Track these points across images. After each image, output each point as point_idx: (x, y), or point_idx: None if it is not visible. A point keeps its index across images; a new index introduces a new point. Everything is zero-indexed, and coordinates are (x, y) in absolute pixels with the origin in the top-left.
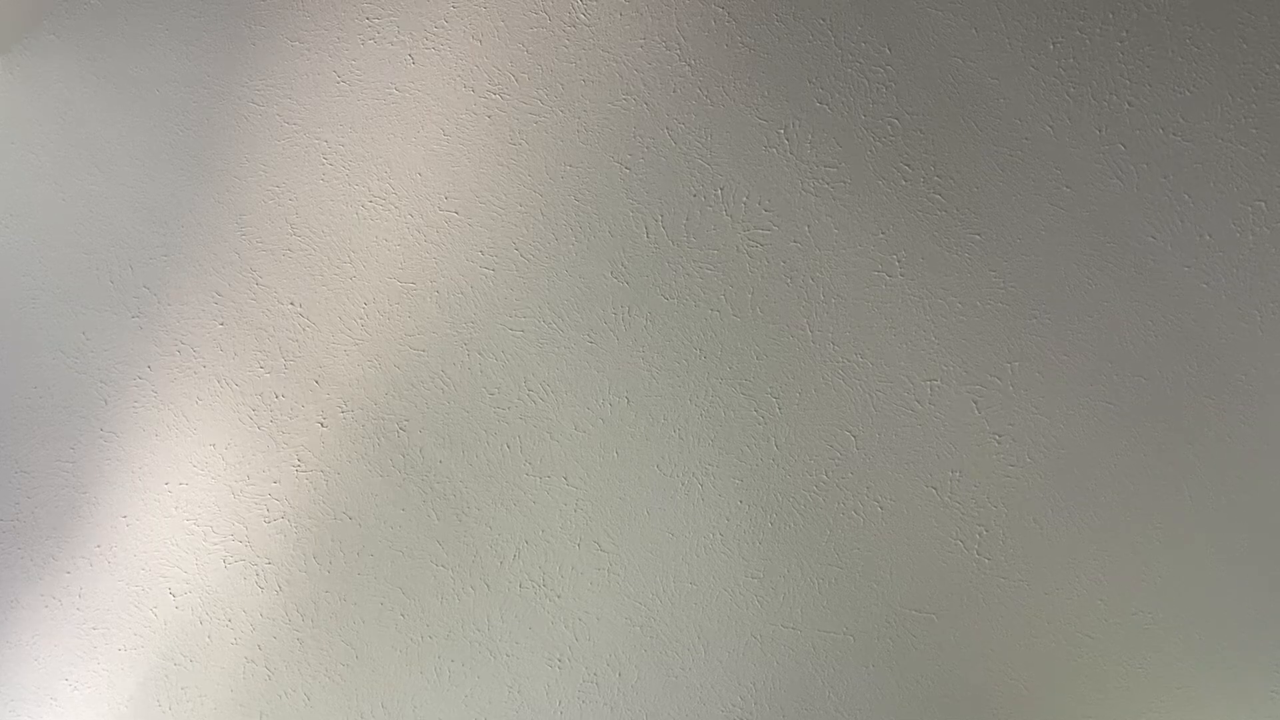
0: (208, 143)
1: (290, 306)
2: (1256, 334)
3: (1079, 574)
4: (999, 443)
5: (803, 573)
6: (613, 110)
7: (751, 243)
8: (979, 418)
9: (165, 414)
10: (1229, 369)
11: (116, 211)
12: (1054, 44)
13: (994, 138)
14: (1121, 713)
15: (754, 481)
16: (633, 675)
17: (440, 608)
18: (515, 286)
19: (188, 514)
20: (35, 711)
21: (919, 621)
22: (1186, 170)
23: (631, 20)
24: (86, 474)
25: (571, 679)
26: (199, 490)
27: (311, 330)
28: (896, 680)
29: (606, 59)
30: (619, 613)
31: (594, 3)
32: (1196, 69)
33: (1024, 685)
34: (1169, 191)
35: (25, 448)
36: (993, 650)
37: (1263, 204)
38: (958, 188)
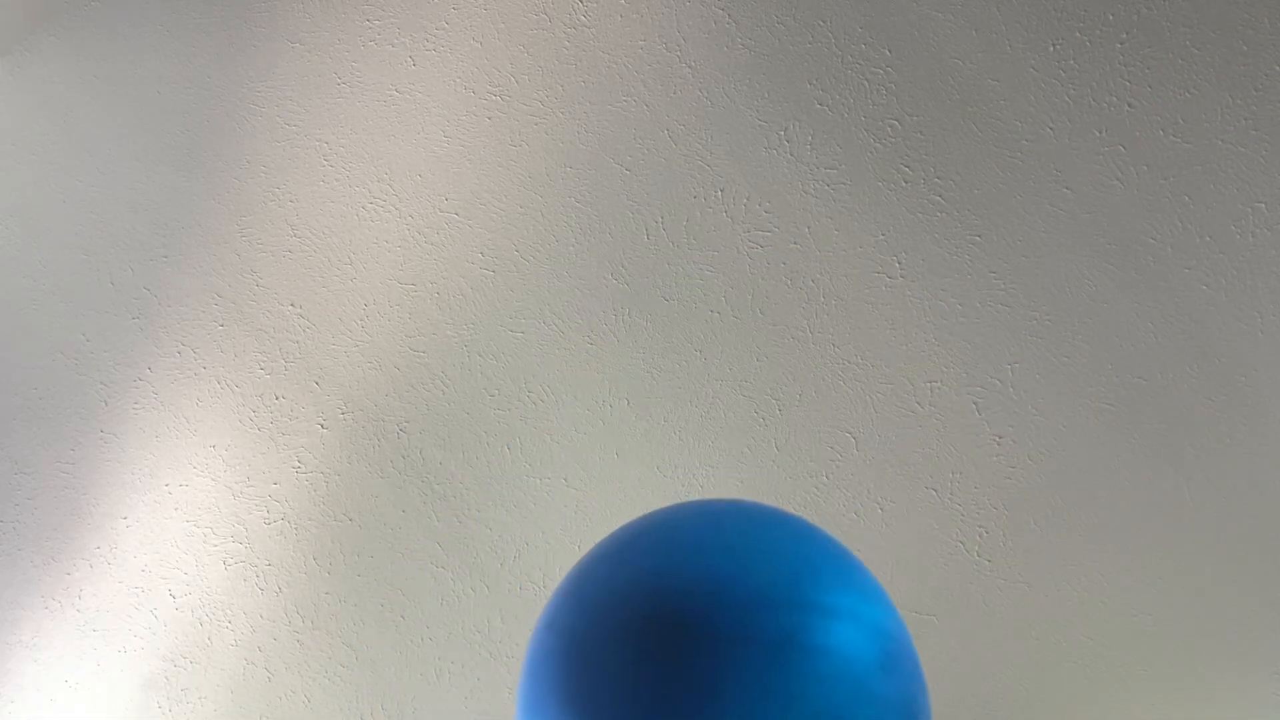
0: (208, 144)
1: (290, 308)
2: (1256, 334)
3: (1079, 574)
4: (999, 444)
5: None
6: (613, 111)
7: (752, 244)
8: (979, 419)
9: (165, 415)
10: (1229, 369)
11: (117, 213)
12: (1054, 46)
13: (994, 139)
14: (1121, 713)
15: (754, 483)
16: None
17: (440, 609)
18: (515, 288)
19: (188, 515)
20: (35, 713)
21: (919, 623)
22: (1187, 172)
23: (632, 22)
24: (87, 475)
25: None
26: (199, 492)
27: (312, 332)
28: None
29: (607, 60)
30: None
31: (594, 5)
32: (1196, 71)
33: (1024, 685)
34: (1169, 193)
35: (25, 449)
36: (993, 651)
37: (1263, 205)
38: (958, 189)
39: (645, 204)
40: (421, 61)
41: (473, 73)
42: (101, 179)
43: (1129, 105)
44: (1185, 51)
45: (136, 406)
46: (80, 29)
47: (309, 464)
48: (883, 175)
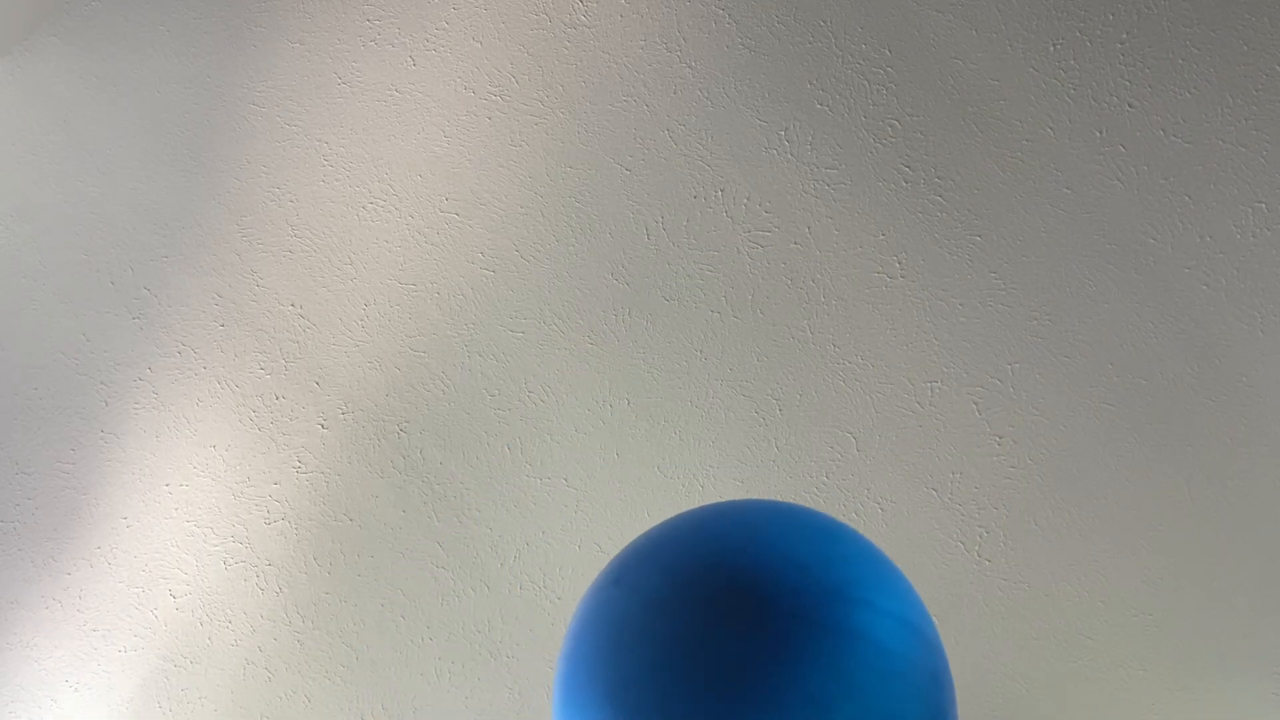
0: (208, 144)
1: (291, 308)
2: (1256, 335)
3: (1079, 574)
4: (999, 444)
5: None
6: (613, 111)
7: (752, 244)
8: (980, 419)
9: (165, 415)
10: (1229, 370)
11: (117, 213)
12: (1054, 46)
13: (994, 139)
14: (1121, 713)
15: (754, 483)
16: None
17: (441, 609)
18: (516, 288)
19: (188, 515)
20: (35, 713)
21: None
22: (1187, 172)
23: (632, 22)
24: (87, 475)
25: None
26: (199, 492)
27: (312, 332)
28: None
29: (607, 60)
30: None
31: (594, 4)
32: (1197, 71)
33: (1024, 685)
34: (1169, 193)
35: (25, 449)
36: (993, 650)
37: (1263, 205)
38: (958, 189)
39: (645, 204)
40: (421, 61)
41: (473, 73)
42: (101, 179)
43: (1129, 105)
44: (1185, 51)
45: (136, 406)
46: (80, 29)
47: (309, 464)
48: (883, 175)
